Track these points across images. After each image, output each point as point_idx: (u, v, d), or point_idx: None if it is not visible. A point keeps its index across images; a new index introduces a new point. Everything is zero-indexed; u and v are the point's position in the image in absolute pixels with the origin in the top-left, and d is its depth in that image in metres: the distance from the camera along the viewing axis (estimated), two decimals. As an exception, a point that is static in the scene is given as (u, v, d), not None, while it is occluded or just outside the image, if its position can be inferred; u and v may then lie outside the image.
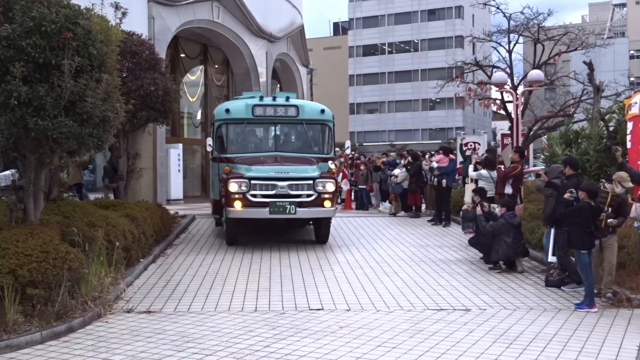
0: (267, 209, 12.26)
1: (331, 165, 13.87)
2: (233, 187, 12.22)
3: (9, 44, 7.71)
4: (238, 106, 14.13)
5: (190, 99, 25.34)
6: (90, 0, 9.15)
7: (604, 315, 8.47)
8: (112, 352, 6.68)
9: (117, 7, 11.11)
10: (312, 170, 12.77)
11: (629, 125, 11.31)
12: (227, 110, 13.94)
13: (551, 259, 10.15)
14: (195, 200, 22.35)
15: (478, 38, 27.68)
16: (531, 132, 23.05)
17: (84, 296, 8.07)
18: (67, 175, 14.65)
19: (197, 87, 25.56)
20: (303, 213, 12.54)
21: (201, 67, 25.45)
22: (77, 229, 8.76)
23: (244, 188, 12.21)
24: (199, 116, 25.99)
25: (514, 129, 16.25)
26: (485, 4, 28.23)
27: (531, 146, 24.25)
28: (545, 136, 19.52)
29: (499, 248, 10.78)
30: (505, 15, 25.56)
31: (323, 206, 12.62)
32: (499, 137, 27.56)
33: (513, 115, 17.04)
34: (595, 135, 13.50)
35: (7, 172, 13.81)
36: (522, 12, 25.62)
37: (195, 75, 25.41)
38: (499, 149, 21.23)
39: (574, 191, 9.36)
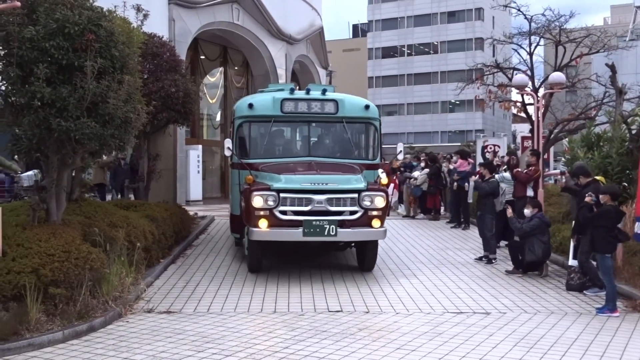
0: (301, 229, 9.86)
1: (381, 174, 11.45)
2: (257, 201, 9.92)
3: (33, 46, 7.81)
4: (264, 101, 11.60)
5: (210, 101, 25.41)
6: (112, 3, 9.24)
7: (625, 320, 8.39)
8: (133, 351, 6.73)
9: (138, 9, 11.20)
10: (357, 181, 10.37)
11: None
12: (251, 106, 11.42)
13: (572, 262, 10.07)
14: (214, 201, 22.42)
15: (498, 40, 27.51)
16: (552, 135, 22.89)
17: (105, 296, 8.13)
18: (90, 176, 14.83)
19: (216, 88, 25.63)
20: (345, 235, 10.14)
21: (221, 68, 25.52)
22: (98, 229, 8.85)
23: (271, 203, 9.91)
24: (218, 118, 26.07)
25: (534, 132, 16.13)
26: (505, 6, 28.10)
27: (552, 149, 24.10)
28: (567, 139, 19.35)
29: (536, 248, 10.60)
30: (526, 17, 25.36)
31: (371, 226, 10.19)
32: (519, 140, 27.40)
33: (534, 118, 16.93)
34: (617, 138, 13.36)
35: (30, 173, 14.02)
36: (543, 14, 25.41)
37: (214, 77, 25.48)
38: (519, 152, 21.09)
39: (592, 195, 9.30)
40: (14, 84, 8.02)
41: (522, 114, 25.13)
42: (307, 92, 11.69)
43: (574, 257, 10.02)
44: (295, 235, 9.96)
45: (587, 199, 9.39)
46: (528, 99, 22.33)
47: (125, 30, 9.39)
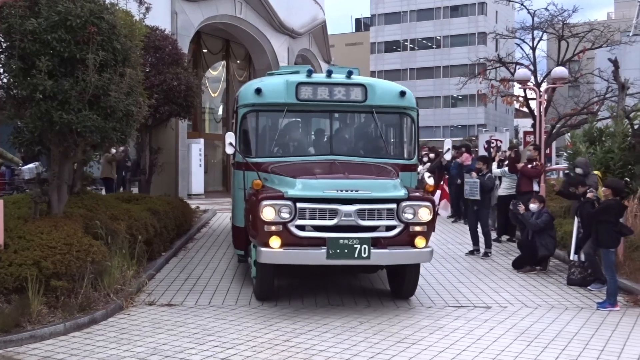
0: (324, 250, 7.73)
1: (427, 178, 8.92)
2: (268, 213, 7.74)
3: (35, 38, 7.81)
4: (275, 85, 9.23)
5: (212, 94, 25.40)
6: (114, -5, 9.21)
7: (626, 315, 8.40)
8: (134, 343, 6.74)
9: (141, 2, 11.15)
10: (395, 187, 8.13)
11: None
12: (259, 91, 9.04)
13: (573, 257, 10.08)
14: (216, 195, 22.44)
15: (501, 35, 27.46)
16: (554, 130, 22.87)
17: (107, 288, 8.14)
18: (98, 169, 14.87)
19: (218, 82, 25.60)
20: (381, 257, 7.93)
21: (223, 62, 25.50)
22: (100, 222, 8.84)
23: (284, 215, 7.76)
24: (220, 111, 26.07)
25: (536, 127, 16.13)
26: (509, 1, 28.04)
27: (554, 144, 24.08)
28: (569, 134, 19.34)
29: (548, 243, 10.60)
30: (529, 12, 25.34)
31: (413, 245, 8.03)
32: (521, 135, 27.38)
33: (536, 113, 16.94)
34: (619, 133, 13.34)
35: (31, 165, 14.01)
36: (546, 9, 25.38)
37: (217, 71, 25.46)
38: (521, 147, 21.07)
39: (594, 190, 9.32)
40: (16, 76, 8.01)
41: (525, 109, 25.09)
42: (329, 75, 9.25)
43: (575, 252, 10.03)
44: (317, 257, 7.81)
45: (589, 194, 9.40)
46: (530, 94, 22.30)
47: (128, 23, 9.37)
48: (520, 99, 24.98)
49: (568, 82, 20.94)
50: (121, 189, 16.91)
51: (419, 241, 8.06)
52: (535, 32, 25.53)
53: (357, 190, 7.88)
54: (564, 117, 23.85)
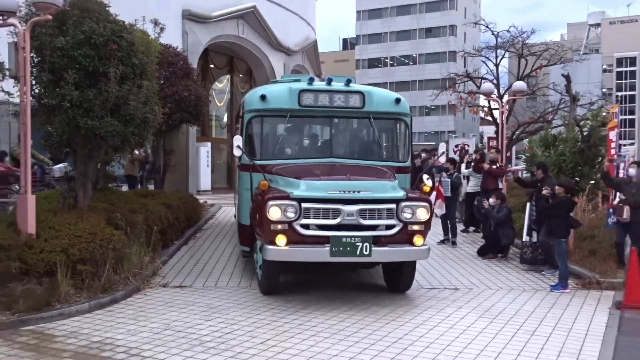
0: (327, 247, 7.26)
1: (426, 180, 8.52)
2: (274, 212, 7.27)
3: (63, 54, 7.80)
4: (278, 92, 8.75)
5: (218, 104, 25.39)
6: (133, 17, 9.19)
7: (576, 296, 8.46)
8: (150, 320, 6.74)
9: (156, 23, 11.14)
10: (394, 188, 7.70)
11: (613, 133, 11.39)
12: (263, 98, 8.58)
13: (525, 238, 10.21)
14: (221, 191, 22.36)
15: (469, 53, 27.61)
16: (514, 136, 22.99)
17: (126, 272, 8.13)
18: (119, 168, 14.81)
19: (224, 93, 25.59)
20: (382, 254, 7.48)
21: (228, 76, 25.46)
22: (120, 214, 8.81)
23: (290, 214, 7.29)
24: (225, 119, 26.04)
25: (499, 133, 16.19)
26: (476, 23, 28.24)
27: (514, 148, 24.18)
28: (527, 139, 19.41)
29: (508, 233, 10.73)
30: (493, 33, 25.51)
31: (412, 243, 7.60)
32: (485, 140, 27.46)
33: (499, 121, 17.00)
34: (571, 139, 13.40)
35: (60, 165, 13.95)
36: (508, 31, 25.60)
37: (222, 84, 25.43)
38: (486, 150, 21.14)
39: (549, 188, 9.38)
40: (46, 87, 8.00)
41: (489, 118, 25.24)
42: (328, 83, 8.76)
43: (527, 234, 10.16)
44: (321, 254, 7.31)
45: (543, 191, 9.45)
46: (494, 105, 22.42)
47: (144, 41, 9.34)
48: (485, 109, 25.15)
49: (526, 95, 21.02)
50: (139, 186, 16.85)
51: (417, 239, 7.61)
52: (499, 51, 25.71)
53: (358, 191, 7.43)
54: (522, 124, 23.99)
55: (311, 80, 8.85)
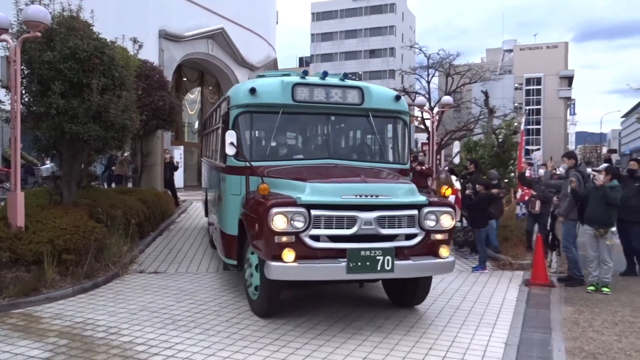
0: (343, 263, 5.33)
1: (455, 182, 6.69)
2: (279, 221, 5.31)
3: (50, 67, 7.53)
4: (270, 85, 6.71)
5: (190, 112, 25.10)
6: (114, 35, 8.96)
7: (493, 276, 8.65)
8: (128, 302, 6.57)
9: (135, 41, 10.88)
10: (413, 192, 5.88)
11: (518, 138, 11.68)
12: (253, 91, 6.55)
13: (457, 224, 10.41)
14: (192, 189, 22.03)
15: (406, 72, 27.96)
16: (443, 142, 23.40)
17: (106, 260, 7.91)
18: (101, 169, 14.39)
19: (195, 103, 25.30)
20: (404, 270, 5.53)
21: (199, 88, 25.19)
22: (101, 209, 8.58)
23: (298, 224, 5.35)
24: (196, 125, 25.76)
25: (430, 139, 16.45)
26: (411, 47, 28.55)
27: (442, 152, 24.60)
28: (453, 144, 19.82)
29: None
30: (425, 55, 25.88)
31: (436, 255, 5.76)
32: (419, 145, 27.89)
33: (430, 129, 17.26)
34: (489, 144, 13.77)
35: (47, 166, 13.50)
36: (438, 54, 26.04)
37: (194, 95, 25.14)
38: (420, 154, 21.46)
39: (471, 188, 9.58)
40: (35, 96, 7.72)
41: (422, 126, 25.60)
42: (323, 77, 6.89)
43: (459, 220, 10.37)
44: (336, 271, 5.35)
45: (467, 192, 9.65)
46: (426, 115, 22.77)
47: (124, 56, 9.10)
48: (419, 118, 25.49)
49: (453, 107, 21.46)
50: (113, 185, 16.46)
51: (443, 250, 5.76)
52: (430, 70, 26.10)
53: (376, 196, 5.56)
54: (449, 132, 24.44)
55: (305, 74, 6.94)
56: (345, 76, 7.07)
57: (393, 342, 5.26)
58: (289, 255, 5.27)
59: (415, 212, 5.68)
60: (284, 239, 5.33)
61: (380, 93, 7.13)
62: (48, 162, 13.80)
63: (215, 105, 9.20)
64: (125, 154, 15.21)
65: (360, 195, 5.52)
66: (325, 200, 5.46)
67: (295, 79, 6.78)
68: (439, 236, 5.77)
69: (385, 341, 5.30)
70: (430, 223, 5.73)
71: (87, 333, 5.39)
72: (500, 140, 14.19)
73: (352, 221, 5.46)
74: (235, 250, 6.61)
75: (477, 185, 9.43)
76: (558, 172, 12.52)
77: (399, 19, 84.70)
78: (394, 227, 5.62)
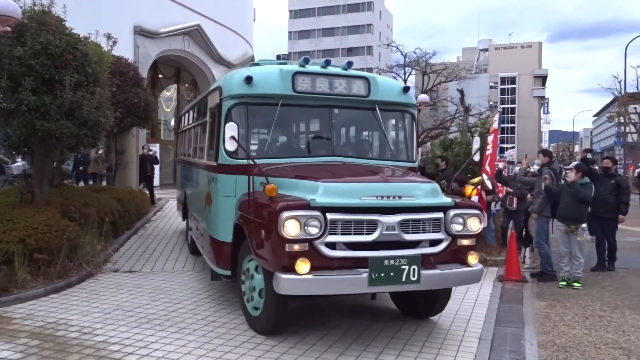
0: (365, 274, 4.65)
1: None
2: (291, 227, 4.61)
3: (21, 63, 7.37)
4: (268, 74, 5.99)
5: (166, 110, 24.86)
6: (88, 31, 8.82)
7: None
8: (102, 302, 6.48)
9: (109, 37, 10.72)
10: (437, 192, 5.21)
11: (491, 137, 11.76)
12: (249, 80, 5.79)
13: None
14: (168, 187, 21.81)
15: (383, 70, 28.09)
16: (419, 139, 23.58)
17: (80, 259, 7.79)
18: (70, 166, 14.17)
19: (171, 101, 25.07)
20: (432, 280, 4.90)
21: (175, 85, 24.95)
22: (74, 207, 8.44)
23: (313, 230, 4.65)
24: (172, 122, 25.54)
25: (407, 137, 16.57)
26: (388, 45, 28.73)
27: (419, 150, 24.81)
28: (430, 142, 19.99)
29: None
30: (402, 54, 26.05)
31: (464, 263, 5.15)
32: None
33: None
34: (464, 142, 13.90)
35: (19, 163, 13.24)
36: (414, 52, 26.26)
37: (170, 92, 24.89)
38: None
39: (444, 183, 9.69)
40: (6, 92, 7.53)
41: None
42: (326, 65, 6.27)
43: None
44: (357, 284, 4.65)
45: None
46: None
47: (98, 52, 8.96)
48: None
49: (429, 105, 21.65)
50: (81, 183, 16.26)
51: (471, 258, 5.17)
52: (407, 68, 26.29)
53: (399, 197, 4.90)
54: (426, 130, 24.64)
55: (306, 61, 6.13)
56: (349, 65, 6.34)
57: (363, 339, 5.29)
58: (303, 266, 4.55)
59: (440, 214, 5.07)
60: (296, 247, 4.60)
61: (388, 84, 6.53)
62: (19, 160, 13.56)
63: (197, 98, 8.52)
64: (100, 152, 15.03)
65: (382, 197, 4.85)
66: (343, 202, 4.75)
67: (295, 67, 6.06)
68: (466, 241, 5.19)
69: (358, 339, 5.33)
70: (457, 227, 5.11)
71: (60, 333, 5.30)
72: (475, 137, 14.36)
73: (372, 226, 4.80)
74: (229, 258, 5.82)
75: (452, 183, 9.54)
76: (532, 170, 12.76)
77: (376, 18, 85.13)
78: (418, 232, 4.97)
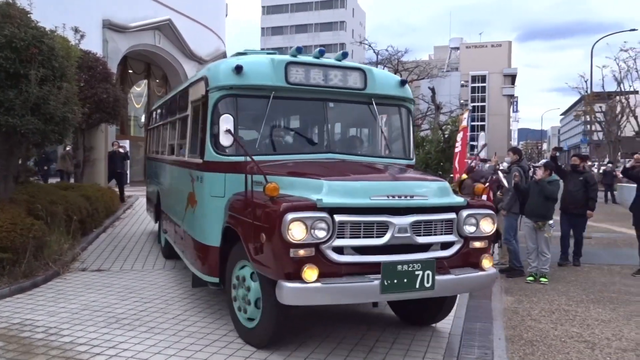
0: (376, 281, 4.23)
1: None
2: (296, 230, 4.09)
3: (-17, 56, 7.13)
4: (258, 64, 5.51)
5: (136, 106, 24.51)
6: (54, 24, 8.60)
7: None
8: (69, 302, 6.35)
9: (76, 30, 10.51)
10: (447, 191, 4.80)
11: (460, 134, 11.91)
12: (239, 70, 5.30)
13: None
14: (138, 184, 21.49)
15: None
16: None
17: (46, 258, 7.61)
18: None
19: (141, 97, 24.72)
20: (447, 286, 4.54)
21: (145, 81, 24.60)
22: (40, 205, 8.24)
23: (320, 233, 4.17)
24: (142, 119, 25.18)
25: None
26: (361, 42, 28.82)
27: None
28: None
29: None
30: (374, 52, 26.19)
31: (477, 266, 4.77)
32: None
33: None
34: (435, 140, 14.08)
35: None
36: (386, 50, 26.42)
37: (140, 87, 24.54)
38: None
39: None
40: (-33, 87, 7.29)
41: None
42: (320, 55, 5.83)
43: None
44: (368, 292, 4.27)
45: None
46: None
47: (65, 46, 8.74)
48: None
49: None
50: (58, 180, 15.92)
51: (485, 261, 4.80)
52: (379, 66, 26.42)
53: (411, 196, 4.50)
54: (398, 128, 24.82)
55: (298, 51, 5.72)
56: (344, 56, 5.87)
57: (337, 338, 5.31)
58: (311, 273, 4.09)
59: (453, 215, 4.69)
60: (302, 252, 4.14)
61: (384, 77, 6.17)
62: None
63: (174, 92, 8.00)
64: (67, 149, 14.73)
65: (393, 196, 4.43)
66: (352, 202, 4.31)
67: (287, 57, 5.65)
68: (478, 244, 4.82)
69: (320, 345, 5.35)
70: (470, 228, 4.76)
71: (25, 334, 5.17)
72: (446, 135, 14.52)
73: (383, 228, 4.38)
74: (217, 264, 5.33)
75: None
76: (501, 168, 12.96)
77: (349, 15, 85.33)
78: (430, 235, 4.60)
